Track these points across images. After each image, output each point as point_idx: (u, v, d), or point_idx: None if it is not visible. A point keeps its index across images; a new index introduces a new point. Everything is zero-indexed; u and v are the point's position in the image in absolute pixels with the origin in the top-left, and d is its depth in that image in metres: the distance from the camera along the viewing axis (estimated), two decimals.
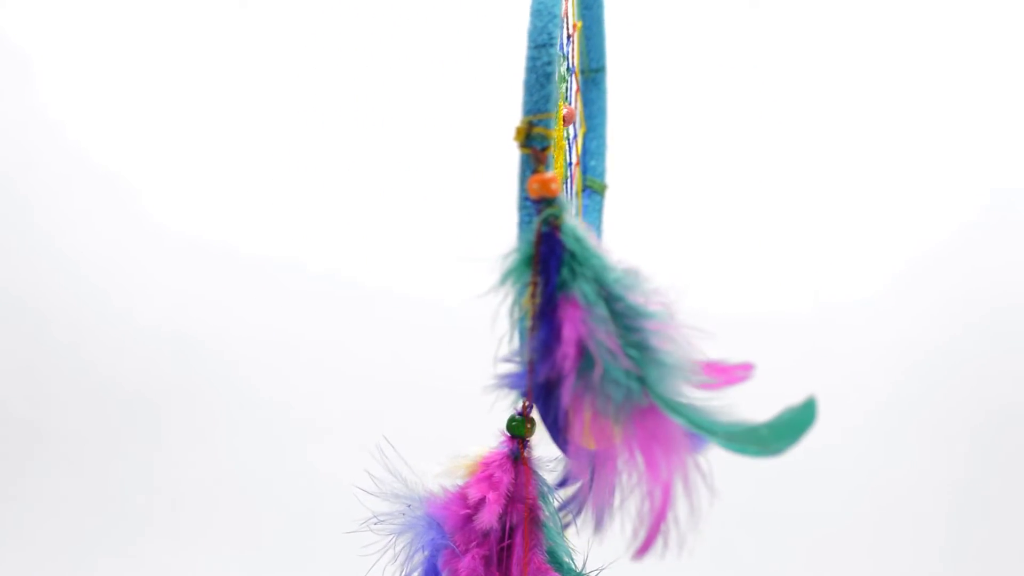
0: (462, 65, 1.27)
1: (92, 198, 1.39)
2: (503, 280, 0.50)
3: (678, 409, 0.45)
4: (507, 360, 0.52)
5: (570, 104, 0.64)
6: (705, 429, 0.45)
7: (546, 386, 0.50)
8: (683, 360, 0.46)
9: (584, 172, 0.77)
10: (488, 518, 0.59)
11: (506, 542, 0.60)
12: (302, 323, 1.37)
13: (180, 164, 1.42)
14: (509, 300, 0.50)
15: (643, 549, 0.46)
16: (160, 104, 1.43)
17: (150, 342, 1.37)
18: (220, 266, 1.39)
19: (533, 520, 0.61)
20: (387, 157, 1.42)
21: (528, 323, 0.49)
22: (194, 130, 1.43)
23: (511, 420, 0.62)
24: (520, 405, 0.63)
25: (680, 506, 0.45)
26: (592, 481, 0.47)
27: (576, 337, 0.46)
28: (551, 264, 0.47)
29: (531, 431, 0.62)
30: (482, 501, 0.59)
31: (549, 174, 0.49)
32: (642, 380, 0.46)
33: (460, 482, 0.62)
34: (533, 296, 0.48)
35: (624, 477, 0.46)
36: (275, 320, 1.38)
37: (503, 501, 0.59)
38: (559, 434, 0.51)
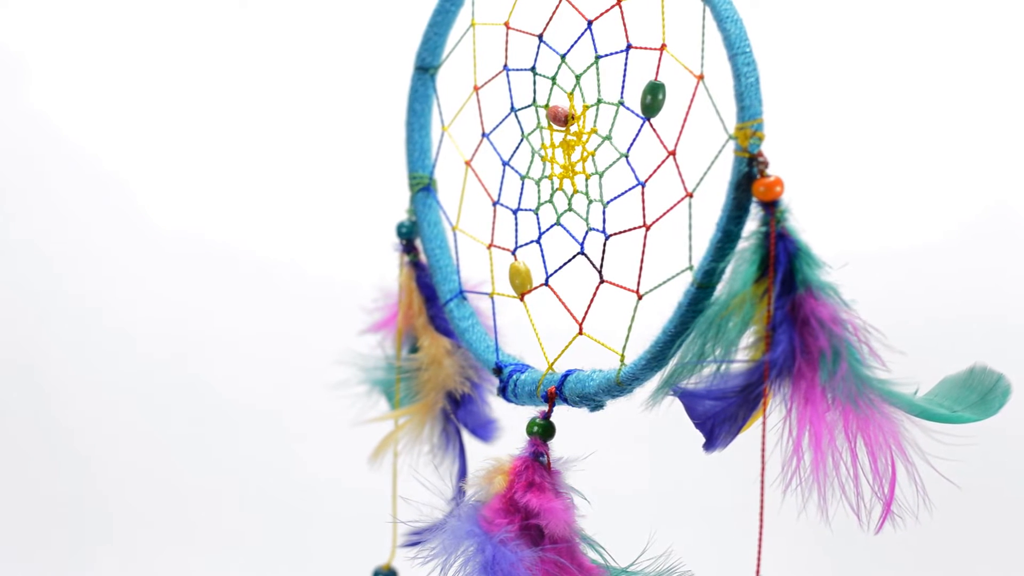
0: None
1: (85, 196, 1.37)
2: (732, 285, 0.50)
3: (893, 392, 0.51)
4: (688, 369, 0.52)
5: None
6: (915, 406, 0.52)
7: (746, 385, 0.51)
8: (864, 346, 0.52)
9: (428, 172, 0.75)
10: (562, 525, 0.57)
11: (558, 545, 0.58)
12: (300, 324, 1.35)
13: (174, 162, 1.39)
14: (728, 305, 0.51)
15: (881, 524, 0.51)
16: (158, 105, 1.39)
17: (148, 341, 1.35)
18: (216, 267, 1.36)
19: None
20: (389, 159, 1.30)
21: (759, 325, 0.50)
22: (191, 130, 1.39)
23: (534, 424, 0.61)
24: (545, 408, 0.61)
25: (904, 482, 0.51)
26: (813, 465, 0.50)
27: (828, 329, 0.49)
28: (788, 262, 0.50)
29: (553, 434, 0.61)
30: (547, 510, 0.57)
31: (774, 177, 0.51)
32: (866, 366, 0.51)
33: (494, 494, 0.59)
34: (769, 297, 0.50)
35: (844, 459, 0.51)
36: (273, 321, 1.36)
37: (565, 505, 0.58)
38: (729, 431, 0.53)
